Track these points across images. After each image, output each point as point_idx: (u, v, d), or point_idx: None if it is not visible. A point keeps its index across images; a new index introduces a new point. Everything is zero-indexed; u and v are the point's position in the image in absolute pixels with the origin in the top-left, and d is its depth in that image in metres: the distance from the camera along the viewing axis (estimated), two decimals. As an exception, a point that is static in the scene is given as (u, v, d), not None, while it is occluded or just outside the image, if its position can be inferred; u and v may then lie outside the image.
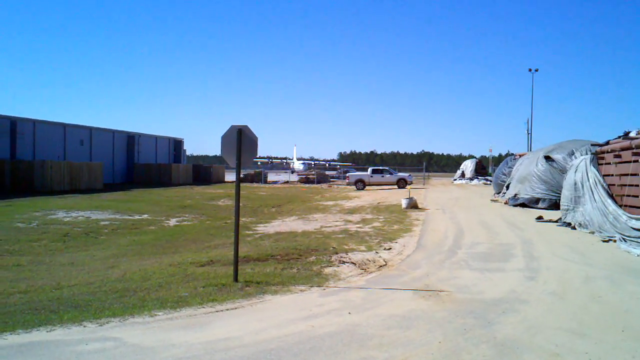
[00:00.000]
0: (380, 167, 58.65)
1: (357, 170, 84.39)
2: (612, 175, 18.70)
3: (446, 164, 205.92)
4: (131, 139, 66.58)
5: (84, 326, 7.52)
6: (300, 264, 12.55)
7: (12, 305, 9.10)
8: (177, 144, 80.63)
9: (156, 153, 73.36)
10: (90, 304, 8.79)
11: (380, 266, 12.54)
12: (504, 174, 38.47)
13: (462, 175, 74.66)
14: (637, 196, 16.65)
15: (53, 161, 45.30)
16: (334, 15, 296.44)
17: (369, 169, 56.02)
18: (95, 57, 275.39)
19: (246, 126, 10.73)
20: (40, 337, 7.05)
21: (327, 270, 11.87)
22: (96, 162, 53.07)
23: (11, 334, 7.16)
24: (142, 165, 65.13)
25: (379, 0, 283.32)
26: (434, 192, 46.51)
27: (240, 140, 10.54)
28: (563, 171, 26.12)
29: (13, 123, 47.11)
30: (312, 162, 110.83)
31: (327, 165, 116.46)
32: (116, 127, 65.56)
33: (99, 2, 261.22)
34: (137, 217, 26.09)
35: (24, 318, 7.94)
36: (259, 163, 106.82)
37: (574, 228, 19.13)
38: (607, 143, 20.39)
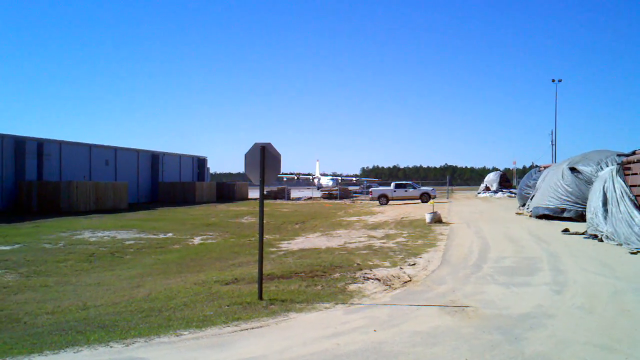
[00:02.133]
0: (404, 182, 58.41)
1: (381, 185, 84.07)
2: (639, 185, 18.47)
3: (470, 177, 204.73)
4: (155, 158, 67.19)
5: (111, 347, 7.57)
6: (325, 281, 12.53)
7: (39, 326, 9.20)
8: (201, 162, 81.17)
9: (180, 172, 73.90)
10: (117, 324, 8.86)
11: (405, 282, 12.47)
12: (529, 187, 38.11)
13: (486, 188, 74.14)
14: (665, 207, 16.42)
15: (79, 182, 45.89)
16: (357, 30, 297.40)
17: (392, 184, 55.86)
18: (119, 78, 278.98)
19: (269, 144, 10.78)
20: (68, 358, 7.12)
21: (352, 287, 11.83)
22: (121, 181, 53.60)
23: (39, 355, 7.24)
24: (166, 184, 65.57)
25: (402, 15, 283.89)
26: (458, 205, 46.19)
27: (264, 158, 10.60)
28: (589, 182, 25.83)
29: (40, 145, 47.82)
30: (340, 178, 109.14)
31: (354, 180, 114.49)
32: (140, 146, 66.32)
33: (123, 25, 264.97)
34: (162, 236, 26.26)
35: (52, 339, 8.02)
36: (284, 179, 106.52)
37: (600, 240, 18.88)
38: (634, 153, 20.17)
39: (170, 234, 26.86)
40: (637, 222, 17.19)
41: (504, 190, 69.32)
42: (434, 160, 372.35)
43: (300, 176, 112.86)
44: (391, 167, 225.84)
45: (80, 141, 54.80)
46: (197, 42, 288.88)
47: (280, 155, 10.88)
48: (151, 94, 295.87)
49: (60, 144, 50.87)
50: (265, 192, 11.39)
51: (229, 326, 8.60)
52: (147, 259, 19.16)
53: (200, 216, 39.23)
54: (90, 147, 55.32)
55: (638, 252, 15.91)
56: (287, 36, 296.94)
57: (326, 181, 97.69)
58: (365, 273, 13.54)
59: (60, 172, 50.02)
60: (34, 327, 9.10)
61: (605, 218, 19.46)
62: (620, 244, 17.47)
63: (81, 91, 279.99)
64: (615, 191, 19.33)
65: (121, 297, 11.86)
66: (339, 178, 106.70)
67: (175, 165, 72.92)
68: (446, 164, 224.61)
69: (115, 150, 59.85)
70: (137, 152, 64.20)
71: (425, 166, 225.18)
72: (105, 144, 58.95)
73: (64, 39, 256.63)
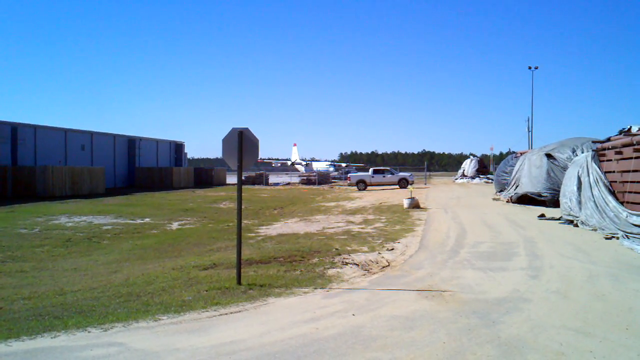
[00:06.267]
0: (382, 168, 58.49)
1: (359, 170, 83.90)
2: (614, 171, 18.69)
3: (447, 163, 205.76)
4: (132, 143, 66.62)
5: (88, 332, 7.53)
6: (303, 265, 12.56)
7: (16, 311, 9.11)
8: (178, 147, 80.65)
9: (157, 157, 73.39)
10: (94, 309, 8.80)
11: (383, 267, 12.53)
12: (505, 173, 38.37)
13: (464, 174, 74.46)
14: (639, 192, 16.63)
15: (54, 166, 45.35)
16: (333, 15, 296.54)
17: (370, 170, 55.95)
18: (94, 62, 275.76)
19: (247, 129, 10.73)
20: (45, 343, 7.06)
21: (330, 271, 11.87)
22: (98, 166, 53.12)
23: (16, 340, 7.17)
24: (143, 169, 65.14)
25: (378, 1, 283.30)
26: (435, 191, 46.42)
27: (242, 143, 10.54)
28: (564, 169, 26.07)
29: (14, 129, 47.13)
30: (335, 164, 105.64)
31: (343, 165, 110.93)
32: (117, 131, 65.62)
33: (99, 7, 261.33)
34: (139, 221, 26.11)
35: (28, 324, 7.95)
36: (278, 164, 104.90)
37: (576, 225, 19.11)
38: (608, 140, 20.39)
39: (147, 219, 26.72)
40: (612, 208, 17.40)
41: (481, 176, 69.66)
42: (412, 146, 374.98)
43: (296, 163, 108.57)
44: (369, 152, 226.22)
45: (56, 126, 54.16)
46: (174, 27, 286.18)
47: (258, 140, 10.84)
48: (128, 78, 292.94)
49: (35, 128, 50.17)
50: (243, 178, 11.35)
51: (207, 311, 8.58)
52: (124, 244, 19.06)
53: (178, 201, 39.06)
54: (65, 131, 54.67)
55: (612, 237, 16.12)
56: (265, 22, 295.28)
57: (325, 167, 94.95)
58: (344, 258, 13.58)
59: (35, 157, 49.38)
60: (10, 313, 9.01)
61: (580, 203, 19.69)
62: (595, 229, 17.69)
63: (57, 75, 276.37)
64: (590, 177, 19.54)
65: (99, 283, 11.79)
66: (336, 164, 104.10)
67: (153, 150, 72.38)
68: (424, 150, 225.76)
69: (91, 134, 59.20)
70: (114, 137, 63.56)
71: (404, 152, 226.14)
72: (81, 128, 58.35)
73: (37, 22, 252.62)
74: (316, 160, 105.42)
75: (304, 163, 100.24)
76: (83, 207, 32.93)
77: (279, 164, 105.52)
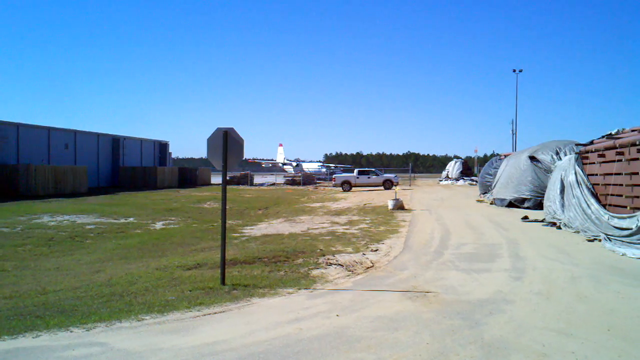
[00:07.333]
0: (367, 169, 58.71)
1: (345, 171, 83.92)
2: (597, 174, 18.86)
3: (432, 165, 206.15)
4: (116, 142, 66.15)
5: (71, 331, 7.47)
6: (288, 266, 12.55)
7: (-3, 311, 9.01)
8: (163, 146, 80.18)
9: (141, 156, 72.93)
10: (77, 309, 8.73)
11: (368, 268, 12.55)
12: (490, 175, 38.59)
13: (448, 176, 75.00)
14: (621, 195, 16.79)
15: (37, 165, 44.97)
16: (319, 17, 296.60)
17: (355, 171, 56.21)
18: (79, 60, 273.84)
19: (232, 129, 10.69)
20: (26, 343, 7.00)
21: (315, 272, 11.87)
22: (81, 165, 52.73)
23: (-3, 340, 7.10)
24: (127, 169, 64.65)
25: (363, 3, 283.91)
26: (420, 192, 46.61)
27: (227, 143, 10.51)
28: (548, 171, 26.28)
29: (-4, 127, 46.65)
30: (325, 165, 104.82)
31: (332, 167, 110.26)
32: (101, 130, 65.17)
33: (82, 5, 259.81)
34: (122, 220, 25.95)
35: (9, 324, 7.87)
36: (269, 165, 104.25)
37: (559, 227, 19.24)
38: (592, 143, 20.55)
39: (131, 219, 26.57)
40: (594, 210, 17.54)
41: (465, 178, 70.17)
42: (397, 147, 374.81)
43: (286, 163, 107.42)
44: (354, 154, 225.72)
45: (39, 124, 53.66)
46: (159, 27, 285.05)
47: (243, 140, 10.81)
48: (112, 77, 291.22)
49: (18, 126, 49.62)
50: (228, 178, 11.31)
51: (191, 311, 8.55)
52: (107, 244, 18.93)
53: (162, 201, 38.86)
54: (49, 130, 54.15)
55: (595, 239, 16.25)
56: (250, 23, 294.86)
57: (316, 167, 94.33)
58: (328, 259, 13.59)
59: (18, 155, 48.83)
60: (-9, 312, 8.92)
61: (563, 206, 19.84)
62: (578, 232, 17.82)
63: (40, 73, 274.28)
64: (573, 180, 19.69)
65: (81, 282, 11.70)
66: (331, 165, 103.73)
67: (137, 149, 71.93)
68: (409, 151, 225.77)
69: (75, 133, 58.69)
70: (97, 136, 63.07)
71: (389, 153, 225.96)
72: (65, 127, 57.87)
73: (21, 19, 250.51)
74: (302, 161, 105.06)
75: (294, 164, 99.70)
76: (66, 206, 32.66)
77: (270, 164, 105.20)
